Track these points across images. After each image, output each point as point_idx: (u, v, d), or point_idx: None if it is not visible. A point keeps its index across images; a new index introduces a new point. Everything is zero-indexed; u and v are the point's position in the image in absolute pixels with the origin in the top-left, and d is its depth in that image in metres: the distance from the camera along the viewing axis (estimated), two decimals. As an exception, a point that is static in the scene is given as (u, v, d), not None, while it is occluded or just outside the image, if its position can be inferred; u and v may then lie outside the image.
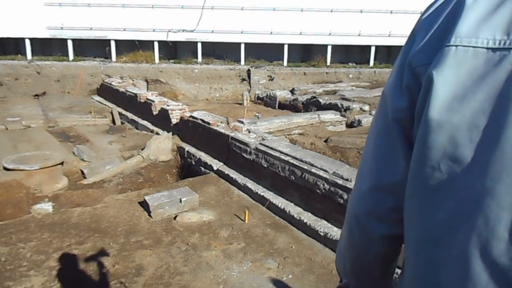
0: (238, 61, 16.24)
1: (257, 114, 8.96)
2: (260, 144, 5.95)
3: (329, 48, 16.26)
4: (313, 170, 4.91)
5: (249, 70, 15.07)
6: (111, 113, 11.42)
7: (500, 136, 0.58)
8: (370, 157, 0.89)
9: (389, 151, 0.81)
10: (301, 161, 5.17)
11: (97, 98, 13.38)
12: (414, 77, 0.73)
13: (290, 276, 3.96)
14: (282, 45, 16.19)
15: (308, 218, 4.84)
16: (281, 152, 5.51)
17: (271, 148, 5.70)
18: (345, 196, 4.43)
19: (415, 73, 0.73)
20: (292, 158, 5.30)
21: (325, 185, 4.70)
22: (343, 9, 15.91)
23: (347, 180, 4.51)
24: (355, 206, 0.93)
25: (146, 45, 15.68)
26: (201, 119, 7.49)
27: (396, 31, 16.03)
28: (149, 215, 5.19)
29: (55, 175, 6.64)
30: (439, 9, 0.73)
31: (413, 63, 0.74)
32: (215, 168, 6.72)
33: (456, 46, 0.64)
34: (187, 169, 7.63)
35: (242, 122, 7.39)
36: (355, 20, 15.96)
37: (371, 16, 15.97)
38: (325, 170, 4.81)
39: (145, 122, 9.90)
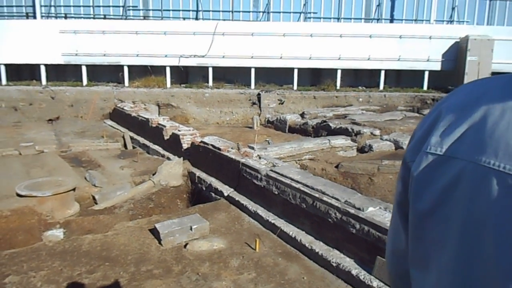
0: (248, 85, 16.40)
1: (267, 139, 8.98)
2: (271, 170, 5.94)
3: (339, 72, 16.36)
4: (325, 198, 4.87)
5: (259, 94, 15.20)
6: (123, 137, 11.55)
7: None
8: (390, 223, 1.07)
9: (396, 223, 0.97)
10: (312, 188, 5.14)
11: (110, 122, 13.57)
12: (406, 169, 0.89)
13: (302, 309, 3.89)
14: (292, 69, 16.35)
15: (320, 247, 4.77)
16: (292, 179, 5.49)
17: (282, 175, 5.69)
18: (357, 226, 4.37)
19: (407, 166, 0.89)
20: (303, 186, 5.27)
21: (337, 214, 4.65)
22: (352, 34, 16.08)
23: (359, 209, 4.46)
24: (387, 264, 1.11)
25: (158, 70, 15.96)
26: (211, 145, 7.53)
27: (405, 55, 16.13)
28: (160, 242, 5.16)
29: (67, 201, 6.69)
30: (426, 118, 0.89)
31: (406, 158, 0.91)
32: (225, 194, 6.71)
33: (427, 152, 0.80)
34: (198, 195, 7.63)
35: (252, 148, 7.40)
36: (364, 44, 16.10)
37: (380, 41, 16.10)
38: (336, 199, 4.77)
39: (156, 147, 9.98)
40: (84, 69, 15.63)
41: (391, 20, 19.61)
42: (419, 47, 16.08)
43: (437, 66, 16.35)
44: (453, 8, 19.50)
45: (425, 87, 16.41)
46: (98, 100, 14.58)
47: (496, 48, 15.49)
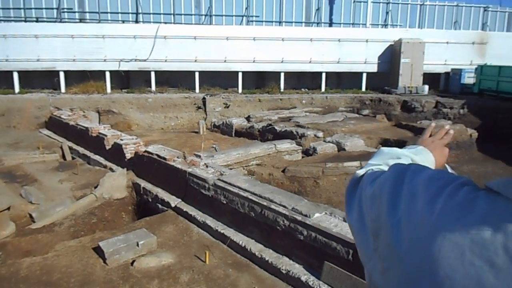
0: (193, 89, 16.21)
1: (214, 146, 8.92)
2: (219, 179, 5.91)
3: (282, 75, 16.66)
4: (273, 206, 4.93)
5: (204, 98, 15.07)
6: (61, 148, 10.94)
7: None
8: None
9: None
10: (260, 196, 5.18)
11: (46, 132, 12.79)
12: None
13: (254, 320, 3.91)
14: (236, 72, 16.39)
15: (269, 255, 4.82)
16: (240, 188, 5.50)
17: (230, 184, 5.68)
18: (305, 233, 4.47)
19: None
20: (251, 194, 5.30)
21: (285, 221, 4.73)
22: (294, 37, 16.44)
23: (306, 216, 4.57)
24: None
25: (97, 75, 15.30)
26: (156, 154, 7.35)
27: (344, 58, 16.77)
28: (105, 261, 4.95)
29: (1, 222, 6.21)
30: None
31: None
32: (173, 205, 6.58)
33: None
34: (144, 207, 7.41)
35: (199, 156, 7.33)
36: (305, 48, 16.53)
37: (321, 44, 16.61)
38: (284, 206, 4.84)
39: (97, 157, 9.56)
40: (15, 75, 14.61)
41: (330, 24, 20.32)
42: (357, 50, 16.79)
43: (373, 68, 17.16)
44: (387, 12, 20.60)
45: (363, 88, 17.15)
46: (32, 108, 13.68)
47: (427, 50, 16.55)
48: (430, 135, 1.15)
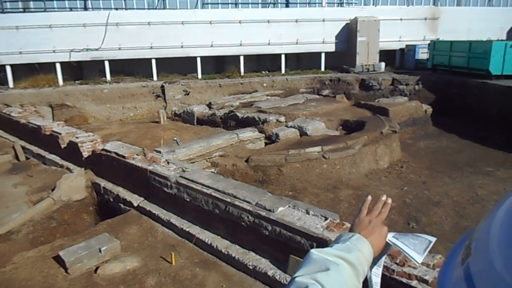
0: (150, 77, 15.76)
1: (175, 138, 8.74)
2: (181, 177, 5.81)
3: (242, 59, 16.47)
4: (237, 202, 4.91)
5: (162, 86, 14.69)
6: (13, 148, 10.39)
7: None
8: None
9: None
10: (224, 193, 5.15)
11: (-5, 131, 12.09)
12: None
13: (224, 320, 3.92)
14: (195, 58, 16.04)
15: (236, 251, 4.83)
16: (203, 185, 5.44)
17: (192, 181, 5.60)
18: (269, 228, 4.50)
19: None
20: (214, 191, 5.25)
21: (249, 217, 4.73)
22: (251, 20, 16.22)
23: (270, 210, 4.58)
24: None
25: (47, 67, 14.53)
26: (115, 152, 7.12)
27: (302, 39, 16.77)
28: (66, 271, 4.80)
29: (-51, 235, 5.87)
30: None
31: None
32: (135, 204, 6.43)
33: None
34: (105, 207, 7.21)
35: (159, 152, 7.17)
36: (263, 30, 16.37)
37: (279, 26, 16.50)
38: (248, 202, 4.84)
39: (53, 156, 9.14)
40: (-45, 71, 13.66)
41: (287, 4, 20.19)
42: (314, 30, 16.81)
43: (331, 48, 17.28)
44: (342, -9, 20.68)
45: (322, 68, 17.29)
46: (-23, 106, 12.85)
47: (382, 27, 16.82)
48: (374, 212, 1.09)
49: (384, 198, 1.11)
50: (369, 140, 8.66)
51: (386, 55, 17.46)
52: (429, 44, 16.25)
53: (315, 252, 0.94)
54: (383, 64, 16.83)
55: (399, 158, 9.18)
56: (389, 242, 1.04)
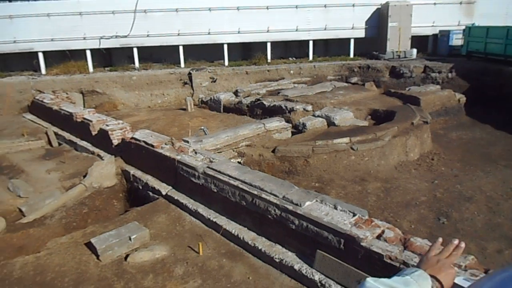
0: (177, 63, 15.85)
1: (202, 128, 8.78)
2: (208, 167, 5.85)
3: (269, 45, 16.31)
4: (263, 195, 4.91)
5: (190, 73, 14.75)
6: (46, 133, 10.72)
7: None
8: None
9: None
10: (251, 185, 5.15)
11: (29, 116, 12.49)
12: None
13: (250, 313, 3.96)
14: (222, 44, 16.00)
15: (262, 244, 4.85)
16: (230, 176, 5.45)
17: (219, 172, 5.63)
18: (296, 222, 4.48)
19: None
20: (241, 183, 5.26)
21: (276, 210, 4.72)
22: (278, 5, 15.98)
23: (297, 205, 4.56)
24: None
25: (78, 54, 14.84)
26: (144, 141, 7.22)
27: (331, 24, 16.42)
28: (98, 258, 4.95)
29: (-11, 219, 6.14)
30: None
31: None
32: (163, 193, 6.54)
33: None
34: (135, 194, 7.37)
35: (187, 142, 7.22)
36: (291, 15, 16.11)
37: (307, 11, 16.19)
38: (275, 195, 4.82)
39: (84, 143, 9.39)
40: (-8, 58, 14.13)
41: (316, -12, 19.69)
42: (343, 15, 16.41)
43: (361, 34, 16.86)
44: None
45: (351, 55, 16.92)
46: (13, 93, 13.30)
47: (415, 12, 16.24)
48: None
49: (456, 241, 1.08)
50: (399, 131, 8.45)
51: (418, 41, 16.89)
52: (464, 30, 15.59)
53: (370, 281, 0.92)
54: (414, 50, 16.30)
55: (430, 150, 8.94)
56: (459, 284, 1.00)
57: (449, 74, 13.79)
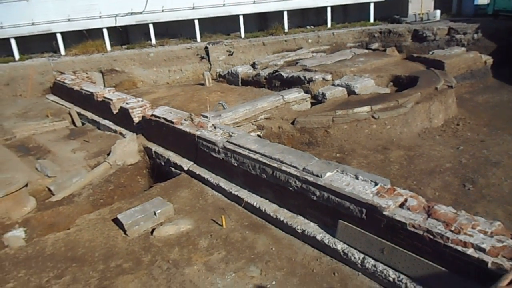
0: (193, 37, 15.70)
1: (221, 102, 8.77)
2: (228, 142, 5.86)
3: (285, 14, 15.91)
4: (283, 167, 4.91)
5: (206, 47, 14.62)
6: (70, 114, 10.95)
7: None
8: None
9: None
10: (270, 158, 5.15)
11: (52, 97, 12.74)
12: None
13: (274, 282, 4.04)
14: (237, 16, 15.71)
15: (284, 215, 4.89)
16: (250, 150, 5.46)
17: (239, 146, 5.64)
18: (317, 193, 4.47)
19: None
20: (261, 156, 5.27)
21: (297, 182, 4.72)
22: (294, -28, 15.47)
23: (317, 176, 4.54)
24: None
25: (95, 33, 14.86)
26: (163, 118, 7.28)
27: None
28: (125, 233, 5.11)
29: (21, 199, 6.38)
30: None
31: None
32: (185, 168, 6.63)
33: None
34: (158, 170, 7.50)
35: (206, 117, 7.24)
36: (307, -18, 15.60)
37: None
38: (295, 167, 4.82)
39: (106, 122, 9.55)
40: (13, 42, 14.27)
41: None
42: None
43: (381, -4, 16.22)
44: None
45: (371, 20, 16.35)
46: (35, 75, 13.53)
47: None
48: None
49: None
50: (422, 97, 8.22)
51: (442, 2, 16.13)
52: (490, -13, 14.79)
53: None
54: (438, 12, 15.59)
55: (455, 115, 8.68)
56: None
57: (475, 35, 13.20)
